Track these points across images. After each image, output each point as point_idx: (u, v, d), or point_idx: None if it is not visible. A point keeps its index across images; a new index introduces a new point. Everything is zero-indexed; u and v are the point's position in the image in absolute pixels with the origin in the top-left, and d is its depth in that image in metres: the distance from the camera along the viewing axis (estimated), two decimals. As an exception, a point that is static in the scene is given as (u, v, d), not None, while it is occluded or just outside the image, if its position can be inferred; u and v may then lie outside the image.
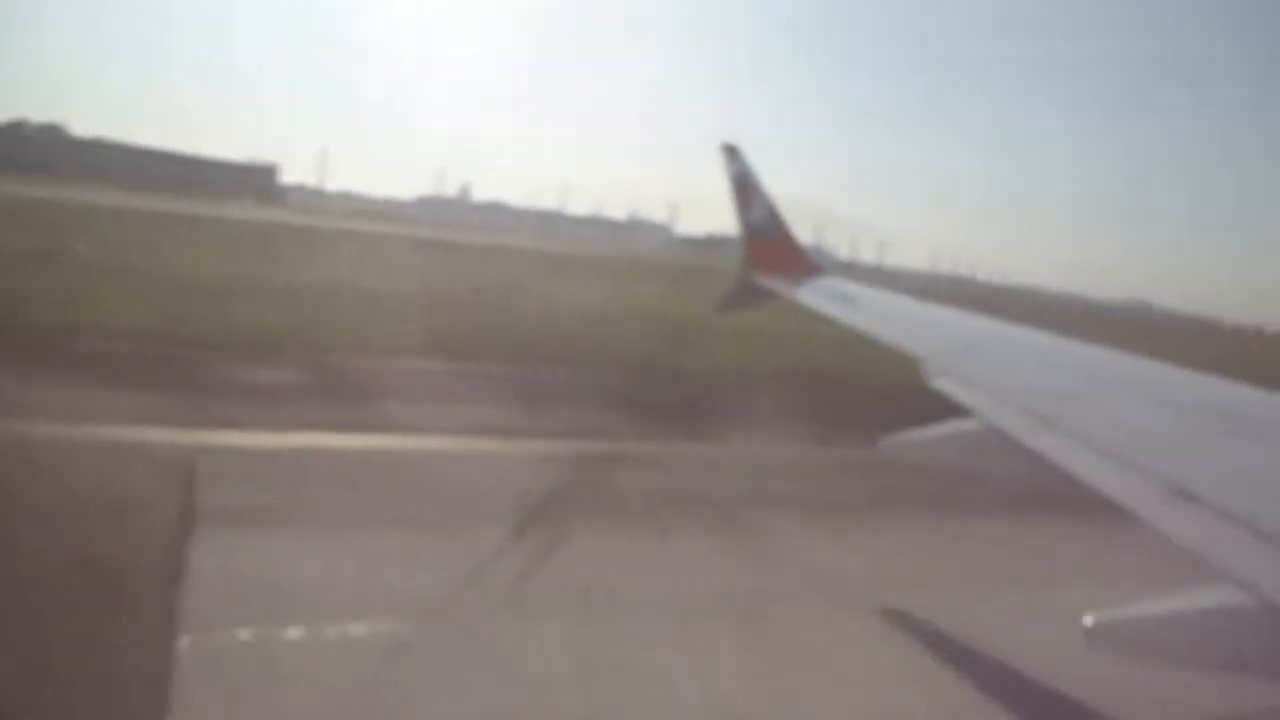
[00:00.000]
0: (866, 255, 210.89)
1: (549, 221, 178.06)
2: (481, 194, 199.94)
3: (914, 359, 6.31)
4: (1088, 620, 3.05)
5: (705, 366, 18.66)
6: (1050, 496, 4.70)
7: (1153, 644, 3.12)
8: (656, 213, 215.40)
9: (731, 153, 10.91)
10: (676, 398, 15.32)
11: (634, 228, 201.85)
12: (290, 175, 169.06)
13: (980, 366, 5.94)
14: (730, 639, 6.87)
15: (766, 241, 10.58)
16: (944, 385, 5.58)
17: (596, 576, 7.48)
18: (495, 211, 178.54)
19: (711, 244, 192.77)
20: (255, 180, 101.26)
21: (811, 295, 9.34)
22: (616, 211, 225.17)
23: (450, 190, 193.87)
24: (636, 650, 6.49)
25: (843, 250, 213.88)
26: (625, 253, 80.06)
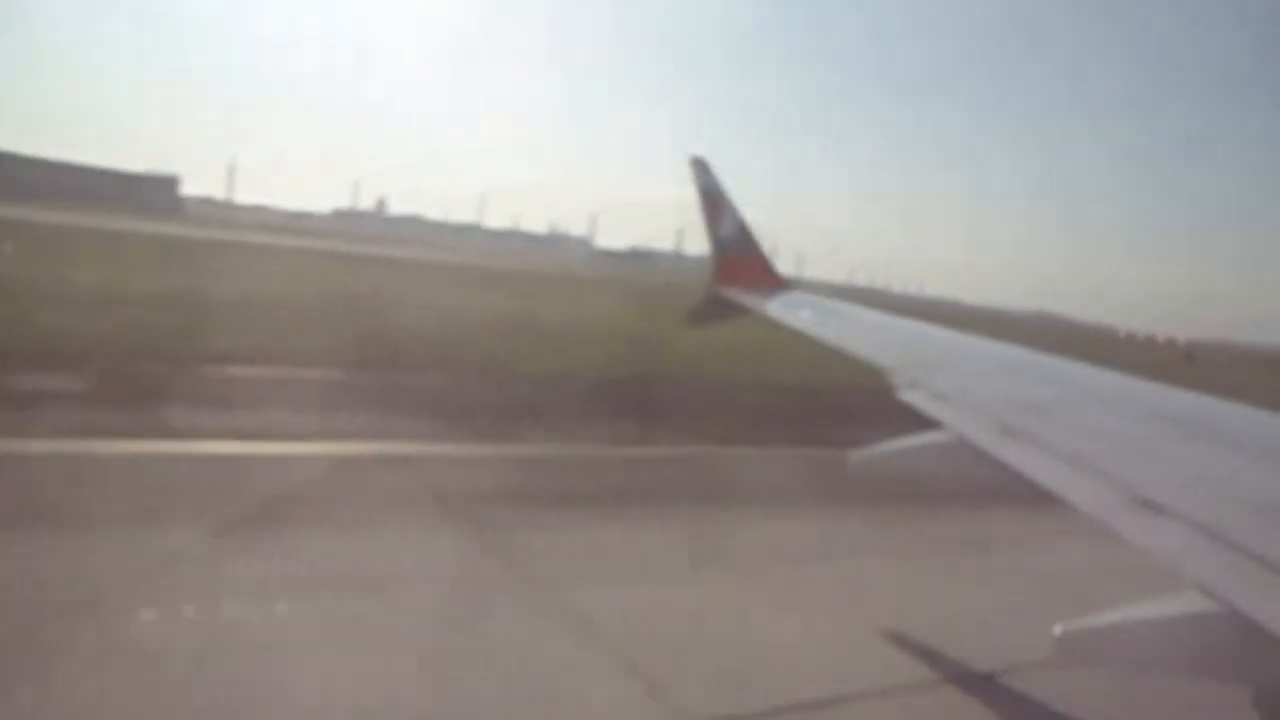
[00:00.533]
0: (785, 267, 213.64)
1: (466, 234, 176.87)
2: (399, 207, 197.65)
3: (882, 372, 6.34)
4: (1056, 629, 3.07)
5: (545, 373, 18.59)
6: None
7: (1121, 651, 3.16)
8: (578, 226, 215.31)
9: (700, 166, 10.78)
10: (502, 403, 15.21)
11: (554, 241, 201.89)
12: (201, 188, 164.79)
13: (948, 379, 5.94)
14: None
15: (735, 256, 10.54)
16: (912, 398, 5.60)
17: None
18: (412, 225, 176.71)
19: (634, 256, 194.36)
20: (154, 192, 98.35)
21: (781, 309, 9.32)
22: (537, 225, 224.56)
23: (367, 203, 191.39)
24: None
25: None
26: (521, 265, 79.34)
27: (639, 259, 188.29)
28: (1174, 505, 3.36)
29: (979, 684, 7.14)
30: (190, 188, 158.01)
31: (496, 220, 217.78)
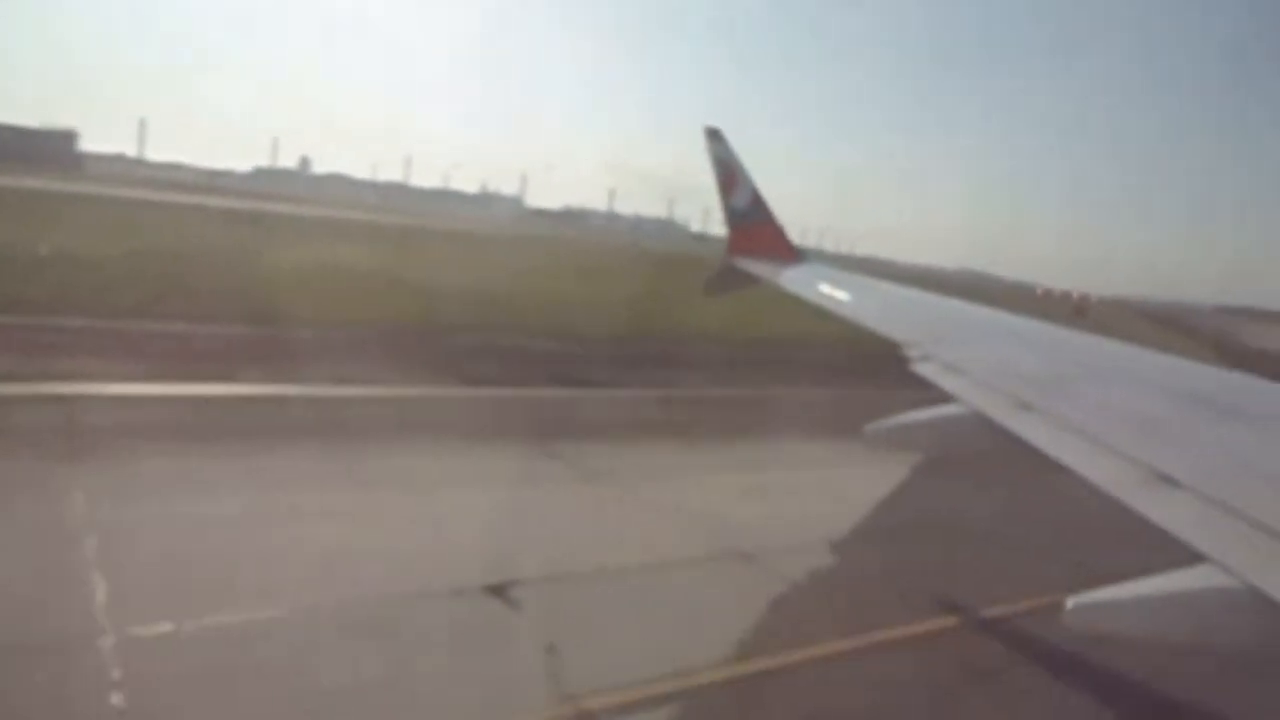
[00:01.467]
0: (717, 228, 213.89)
1: (393, 193, 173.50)
2: (324, 166, 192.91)
3: (897, 344, 6.24)
4: (1068, 601, 3.05)
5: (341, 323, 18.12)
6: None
7: (1131, 624, 3.12)
8: (510, 185, 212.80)
9: (714, 136, 10.60)
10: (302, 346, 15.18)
11: (486, 200, 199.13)
12: (112, 145, 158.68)
13: (962, 352, 5.81)
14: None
15: (750, 227, 10.43)
16: (926, 370, 5.52)
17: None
18: (336, 183, 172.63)
19: (566, 216, 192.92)
20: (50, 147, 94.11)
21: (795, 281, 9.20)
22: (468, 184, 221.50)
23: (288, 162, 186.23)
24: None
25: (695, 224, 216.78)
26: (427, 223, 77.25)
27: (571, 219, 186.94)
28: (1189, 480, 3.32)
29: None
30: (101, 145, 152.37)
31: (427, 180, 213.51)
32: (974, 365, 5.45)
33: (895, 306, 7.76)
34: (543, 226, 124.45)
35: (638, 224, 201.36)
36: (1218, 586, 2.78)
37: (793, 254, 10.41)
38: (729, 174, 10.56)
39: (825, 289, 8.70)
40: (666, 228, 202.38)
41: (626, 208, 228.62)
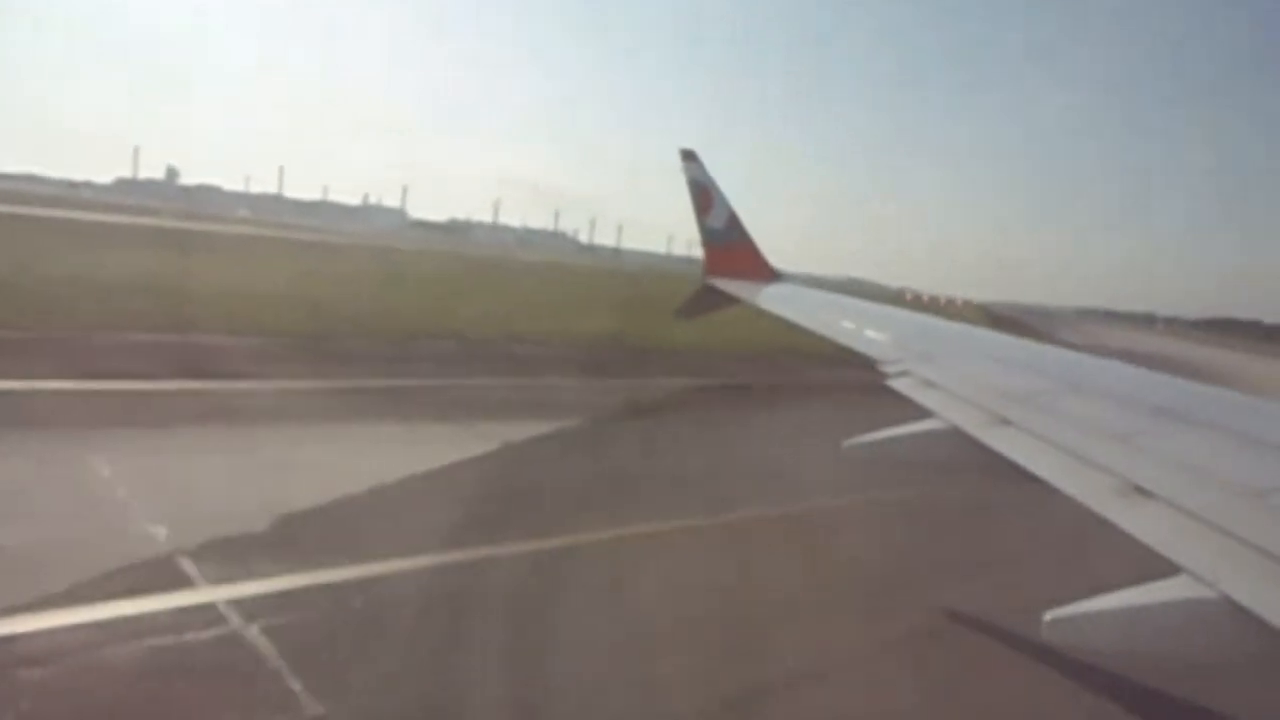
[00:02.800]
0: (607, 239, 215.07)
1: (267, 205, 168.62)
2: (192, 178, 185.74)
3: (872, 362, 6.28)
4: (1046, 616, 3.02)
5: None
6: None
7: (1111, 637, 3.11)
8: (396, 198, 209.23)
9: (689, 158, 10.56)
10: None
11: (368, 212, 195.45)
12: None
13: (939, 368, 5.84)
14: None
15: (726, 247, 10.42)
16: (902, 386, 5.57)
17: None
18: (206, 195, 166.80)
19: (449, 229, 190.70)
20: None
21: (772, 300, 9.25)
22: (351, 196, 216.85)
23: (153, 173, 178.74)
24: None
25: (583, 235, 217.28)
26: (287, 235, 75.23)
27: (454, 231, 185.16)
28: (1164, 492, 3.35)
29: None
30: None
31: (308, 192, 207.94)
32: (951, 381, 5.51)
33: (873, 324, 7.82)
34: (410, 238, 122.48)
35: (524, 236, 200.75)
36: (1193, 598, 2.81)
37: (769, 274, 10.52)
38: (705, 195, 10.59)
39: (800, 308, 8.88)
40: (552, 239, 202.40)
41: (515, 220, 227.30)
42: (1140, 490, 3.44)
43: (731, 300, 10.07)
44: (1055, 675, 6.49)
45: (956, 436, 4.67)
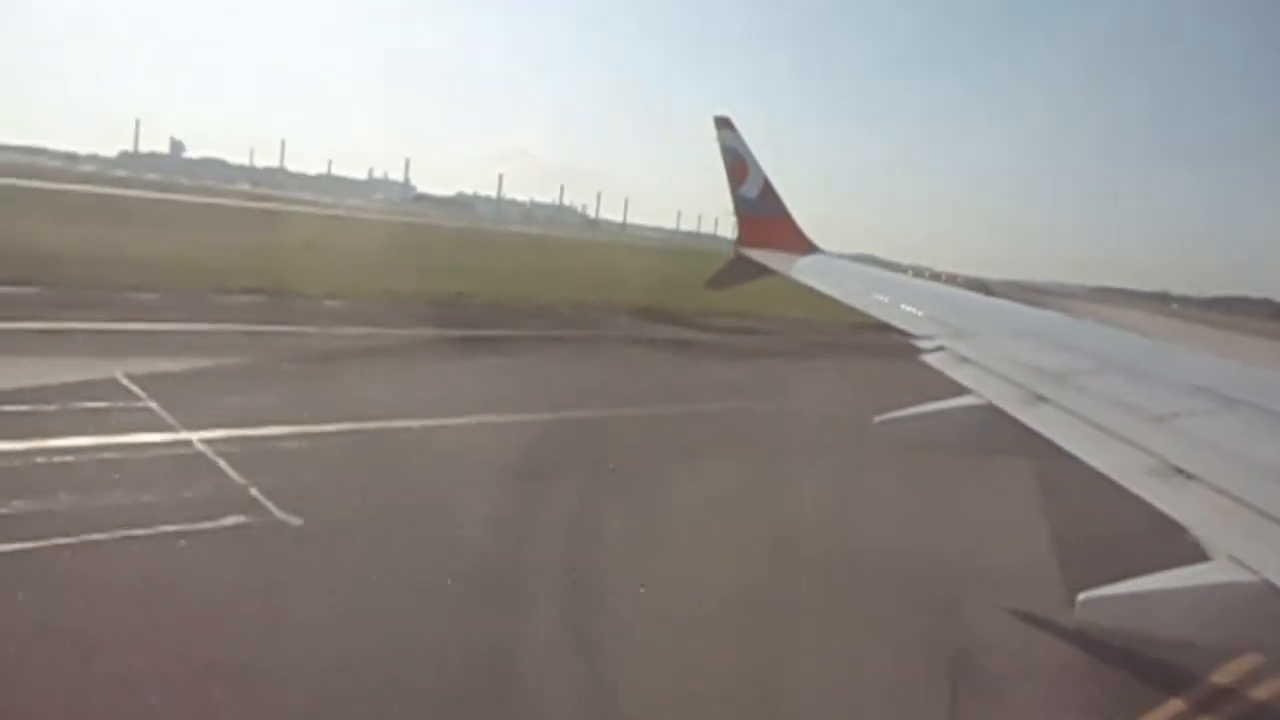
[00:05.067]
0: (613, 215, 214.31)
1: (272, 178, 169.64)
2: (196, 150, 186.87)
3: (908, 336, 6.26)
4: (1080, 596, 2.99)
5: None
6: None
7: (1144, 618, 3.05)
8: (402, 171, 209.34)
9: (724, 124, 10.24)
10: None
11: (373, 186, 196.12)
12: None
13: (974, 344, 5.75)
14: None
15: (761, 218, 10.20)
16: (936, 361, 5.51)
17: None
18: (211, 168, 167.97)
19: (453, 203, 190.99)
20: None
21: (807, 272, 9.10)
22: (357, 170, 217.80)
23: (158, 146, 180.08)
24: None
25: (590, 210, 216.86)
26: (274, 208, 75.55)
27: (459, 205, 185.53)
28: (1204, 474, 3.27)
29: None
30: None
31: (313, 165, 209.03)
32: (986, 357, 5.40)
33: (907, 298, 7.67)
34: (409, 212, 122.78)
35: (529, 210, 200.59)
36: (1231, 581, 2.74)
37: (805, 245, 10.20)
38: (739, 164, 10.29)
39: (838, 281, 8.73)
40: (559, 213, 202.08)
41: (522, 194, 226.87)
42: (1180, 471, 3.33)
43: (763, 272, 9.91)
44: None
45: (991, 413, 4.56)
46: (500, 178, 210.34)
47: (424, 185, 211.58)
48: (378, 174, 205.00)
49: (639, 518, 9.74)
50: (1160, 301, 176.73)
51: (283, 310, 21.17)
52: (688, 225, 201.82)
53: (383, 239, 47.58)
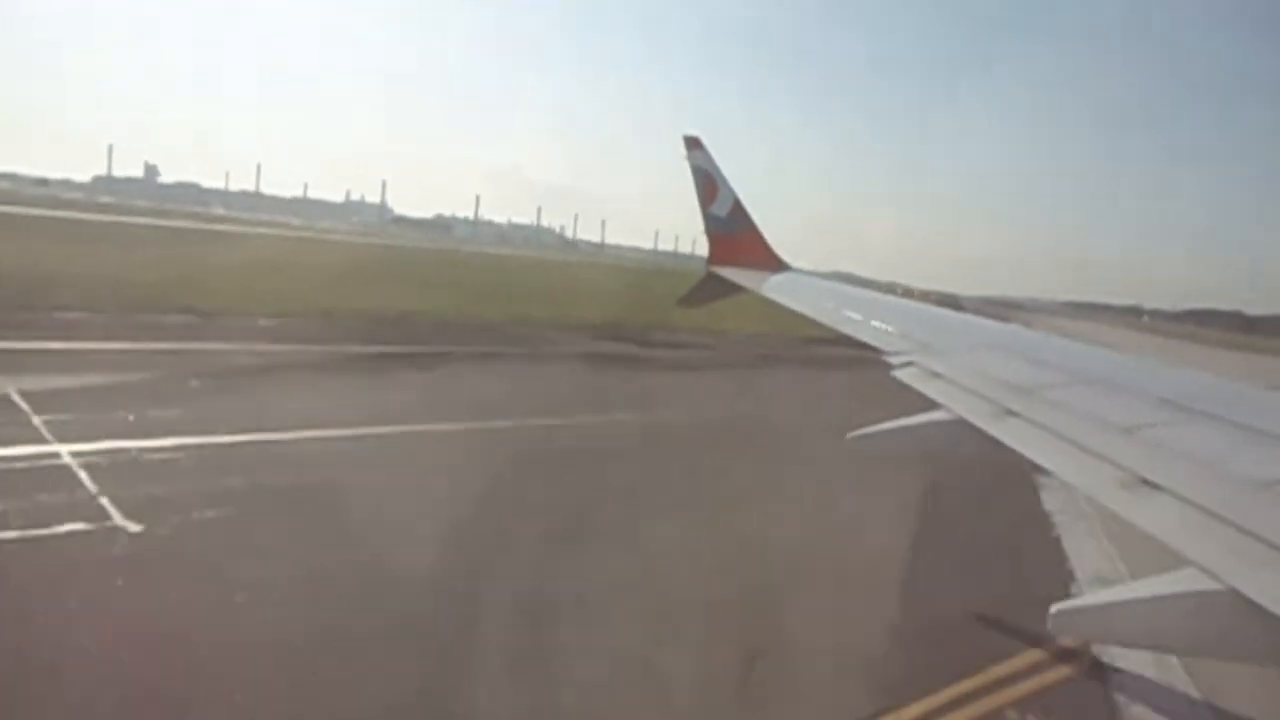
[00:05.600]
0: (592, 235, 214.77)
1: (245, 202, 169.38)
2: (171, 175, 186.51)
3: (878, 352, 6.33)
4: (1052, 608, 3.00)
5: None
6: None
7: (1117, 629, 3.11)
8: (376, 194, 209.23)
9: (694, 144, 10.37)
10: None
11: (350, 208, 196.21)
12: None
13: (945, 359, 5.83)
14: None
15: (731, 236, 10.32)
16: (907, 377, 5.57)
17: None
18: (184, 193, 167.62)
19: (432, 225, 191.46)
20: None
21: (778, 290, 9.23)
22: (335, 193, 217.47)
23: (133, 170, 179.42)
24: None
25: (568, 230, 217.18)
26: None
27: (436, 227, 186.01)
28: (1171, 485, 3.32)
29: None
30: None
31: (289, 189, 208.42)
32: (957, 372, 5.46)
33: (878, 315, 7.76)
34: (382, 234, 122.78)
35: (507, 231, 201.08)
36: (1200, 590, 2.77)
37: (776, 263, 10.37)
38: (709, 183, 10.39)
39: (808, 298, 8.82)
40: (536, 234, 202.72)
41: (500, 216, 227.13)
42: (1146, 483, 3.39)
43: (735, 289, 10.00)
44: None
45: (962, 427, 4.63)
46: (477, 199, 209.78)
47: (402, 208, 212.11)
48: (355, 197, 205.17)
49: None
50: (1133, 315, 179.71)
51: (210, 329, 21.17)
52: (666, 245, 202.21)
53: (342, 260, 47.67)
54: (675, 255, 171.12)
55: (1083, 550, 10.85)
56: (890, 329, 7.02)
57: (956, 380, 5.31)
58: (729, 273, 10.24)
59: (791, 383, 25.74)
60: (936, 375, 5.49)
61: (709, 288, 10.62)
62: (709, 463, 13.91)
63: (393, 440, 13.49)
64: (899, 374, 5.76)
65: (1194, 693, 6.96)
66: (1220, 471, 3.51)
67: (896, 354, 6.17)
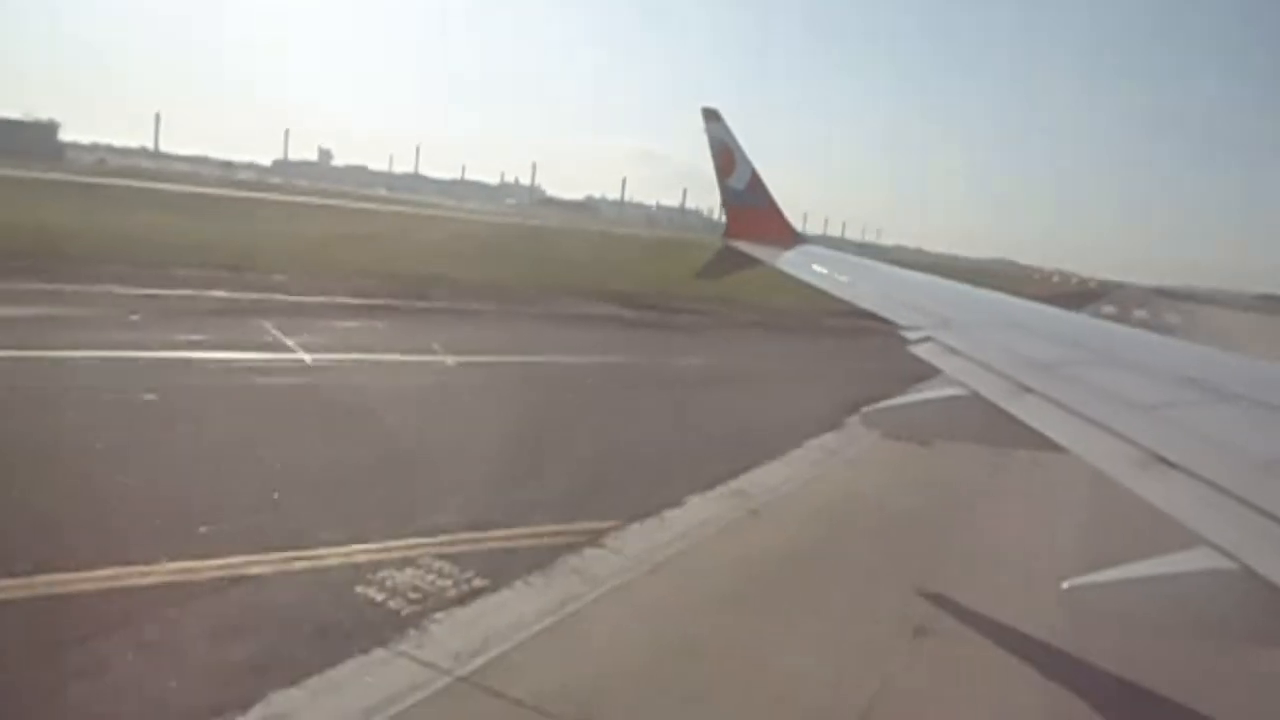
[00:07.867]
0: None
1: (407, 184, 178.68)
2: (343, 159, 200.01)
3: (896, 326, 6.29)
4: (1064, 584, 3.08)
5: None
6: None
7: (1129, 607, 3.17)
8: (529, 177, 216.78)
9: (712, 116, 10.42)
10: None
11: (504, 190, 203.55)
12: (128, 140, 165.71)
13: (962, 334, 5.76)
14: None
15: (748, 210, 10.31)
16: (924, 352, 5.53)
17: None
18: (357, 175, 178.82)
19: (580, 206, 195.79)
20: (33, 138, 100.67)
21: (793, 263, 9.23)
22: (490, 176, 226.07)
23: (307, 154, 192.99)
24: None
25: (716, 213, 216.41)
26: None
27: (583, 209, 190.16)
28: (1187, 463, 3.30)
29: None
30: (116, 140, 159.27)
31: (445, 171, 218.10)
32: (973, 348, 5.36)
33: (895, 288, 7.72)
34: (522, 214, 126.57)
35: (654, 214, 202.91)
36: (1213, 568, 2.79)
37: (792, 237, 10.41)
38: (727, 156, 10.40)
39: (824, 271, 8.77)
40: (682, 215, 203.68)
41: (648, 198, 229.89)
42: (1163, 461, 3.34)
43: (752, 262, 9.97)
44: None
45: (978, 403, 4.57)
46: (623, 181, 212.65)
47: (554, 189, 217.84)
48: (509, 179, 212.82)
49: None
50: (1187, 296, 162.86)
51: (228, 282, 22.35)
52: (814, 229, 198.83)
53: (446, 235, 49.04)
54: (824, 239, 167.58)
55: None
56: (908, 304, 6.86)
57: (974, 356, 5.13)
58: (745, 246, 10.10)
59: (749, 346, 25.25)
60: (954, 351, 5.33)
61: (725, 261, 10.50)
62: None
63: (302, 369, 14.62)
64: (916, 349, 5.60)
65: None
66: (1238, 451, 3.45)
67: (913, 329, 5.98)
